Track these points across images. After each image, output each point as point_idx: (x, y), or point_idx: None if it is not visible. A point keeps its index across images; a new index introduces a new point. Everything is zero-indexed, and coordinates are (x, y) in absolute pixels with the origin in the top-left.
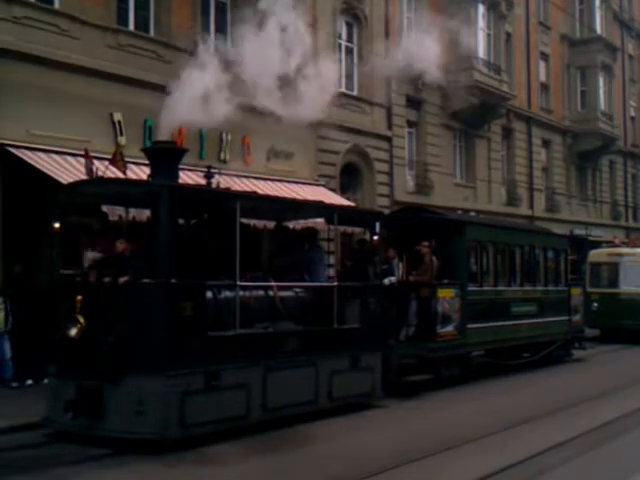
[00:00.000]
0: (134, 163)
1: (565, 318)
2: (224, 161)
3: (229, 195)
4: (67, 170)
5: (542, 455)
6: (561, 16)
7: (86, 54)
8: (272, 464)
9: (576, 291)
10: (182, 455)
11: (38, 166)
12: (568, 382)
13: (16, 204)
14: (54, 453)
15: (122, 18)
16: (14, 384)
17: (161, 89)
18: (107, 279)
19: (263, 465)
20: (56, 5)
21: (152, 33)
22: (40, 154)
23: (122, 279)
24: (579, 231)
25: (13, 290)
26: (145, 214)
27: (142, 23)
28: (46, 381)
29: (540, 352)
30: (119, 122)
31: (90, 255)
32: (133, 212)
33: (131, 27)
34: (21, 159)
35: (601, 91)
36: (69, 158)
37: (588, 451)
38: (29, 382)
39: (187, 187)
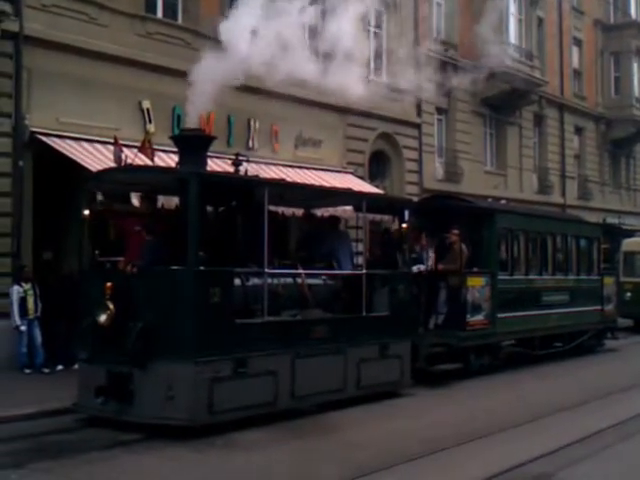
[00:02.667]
0: (162, 151)
1: (597, 308)
2: (252, 148)
3: (257, 182)
4: (96, 158)
5: (573, 445)
6: (594, 1)
7: (115, 42)
8: (300, 451)
9: (609, 280)
10: (211, 441)
11: (67, 154)
12: (600, 372)
13: (46, 191)
14: (85, 438)
15: (150, 6)
16: (45, 370)
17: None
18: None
19: (291, 451)
20: None
21: (180, 21)
22: (69, 142)
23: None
24: (612, 219)
25: (42, 276)
26: (174, 201)
27: (170, 11)
28: (76, 367)
29: (572, 342)
30: (148, 110)
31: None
32: (162, 199)
33: (159, 15)
34: (51, 147)
35: (635, 77)
36: (98, 146)
37: (620, 442)
38: (60, 368)
39: (215, 174)
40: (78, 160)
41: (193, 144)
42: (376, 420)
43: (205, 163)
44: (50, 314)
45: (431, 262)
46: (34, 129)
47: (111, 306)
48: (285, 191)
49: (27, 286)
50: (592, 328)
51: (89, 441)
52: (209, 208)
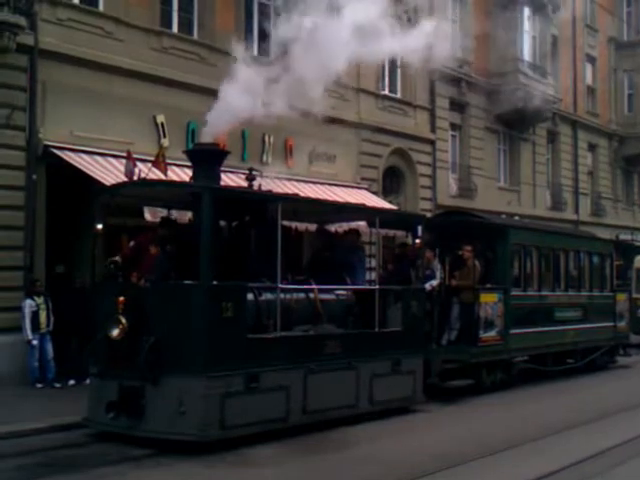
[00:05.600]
0: (177, 165)
1: (610, 324)
2: (266, 163)
3: (271, 197)
4: (110, 172)
5: (585, 462)
6: (608, 18)
7: (130, 56)
8: (312, 466)
9: (621, 297)
10: (222, 456)
11: (81, 167)
12: (612, 389)
13: (59, 205)
14: (96, 453)
15: (166, 20)
16: (57, 384)
17: (204, 91)
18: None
19: (303, 467)
20: (100, 7)
21: (195, 36)
22: (83, 155)
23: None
24: (625, 236)
25: (55, 290)
26: (187, 216)
27: (186, 25)
28: (88, 381)
29: (584, 358)
30: (162, 124)
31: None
32: (175, 214)
33: (175, 29)
34: (64, 160)
35: None
36: (112, 159)
37: (633, 458)
38: (71, 382)
39: (229, 189)
40: (92, 174)
41: (207, 158)
42: (389, 436)
43: (219, 178)
44: (62, 328)
45: (441, 273)
46: (48, 142)
47: (123, 320)
48: (298, 206)
49: (39, 300)
50: (604, 344)
51: (100, 456)
52: (222, 223)
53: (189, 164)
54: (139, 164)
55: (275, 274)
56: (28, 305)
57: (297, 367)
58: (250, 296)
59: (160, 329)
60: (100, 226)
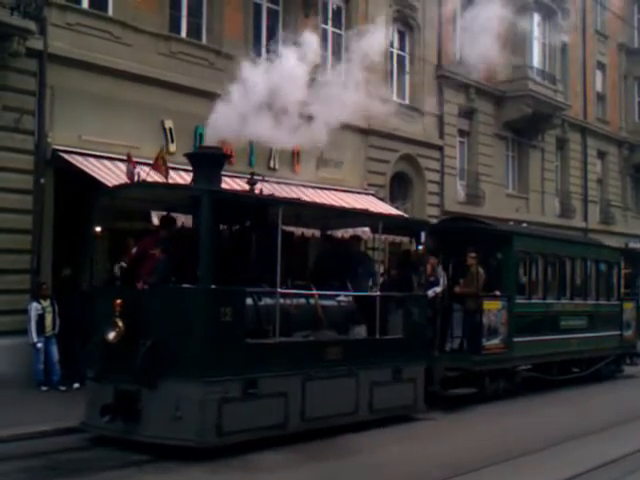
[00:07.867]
0: (184, 170)
1: (616, 333)
2: (273, 169)
3: (271, 201)
4: (117, 176)
5: (591, 472)
6: (619, 25)
7: (138, 61)
8: (315, 473)
9: (629, 305)
10: (223, 462)
11: (89, 171)
12: (619, 399)
13: (67, 208)
14: (97, 457)
15: (175, 25)
16: (62, 387)
17: (212, 96)
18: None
19: (306, 474)
20: (109, 12)
21: (204, 40)
22: (91, 159)
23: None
24: (634, 244)
25: (61, 293)
26: (187, 219)
27: (194, 30)
28: None
29: (590, 368)
30: (170, 129)
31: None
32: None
33: (183, 34)
34: (72, 164)
35: None
36: (120, 164)
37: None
38: (76, 385)
39: (228, 192)
40: (99, 178)
41: (207, 161)
42: (391, 444)
43: (219, 181)
44: (68, 331)
45: (445, 280)
46: (56, 146)
47: (120, 323)
48: (299, 210)
49: (45, 303)
50: (611, 354)
51: (103, 460)
52: (222, 226)
53: None
54: (142, 167)
55: (275, 279)
56: (34, 308)
57: (296, 373)
58: (249, 301)
59: (158, 332)
60: (99, 229)
